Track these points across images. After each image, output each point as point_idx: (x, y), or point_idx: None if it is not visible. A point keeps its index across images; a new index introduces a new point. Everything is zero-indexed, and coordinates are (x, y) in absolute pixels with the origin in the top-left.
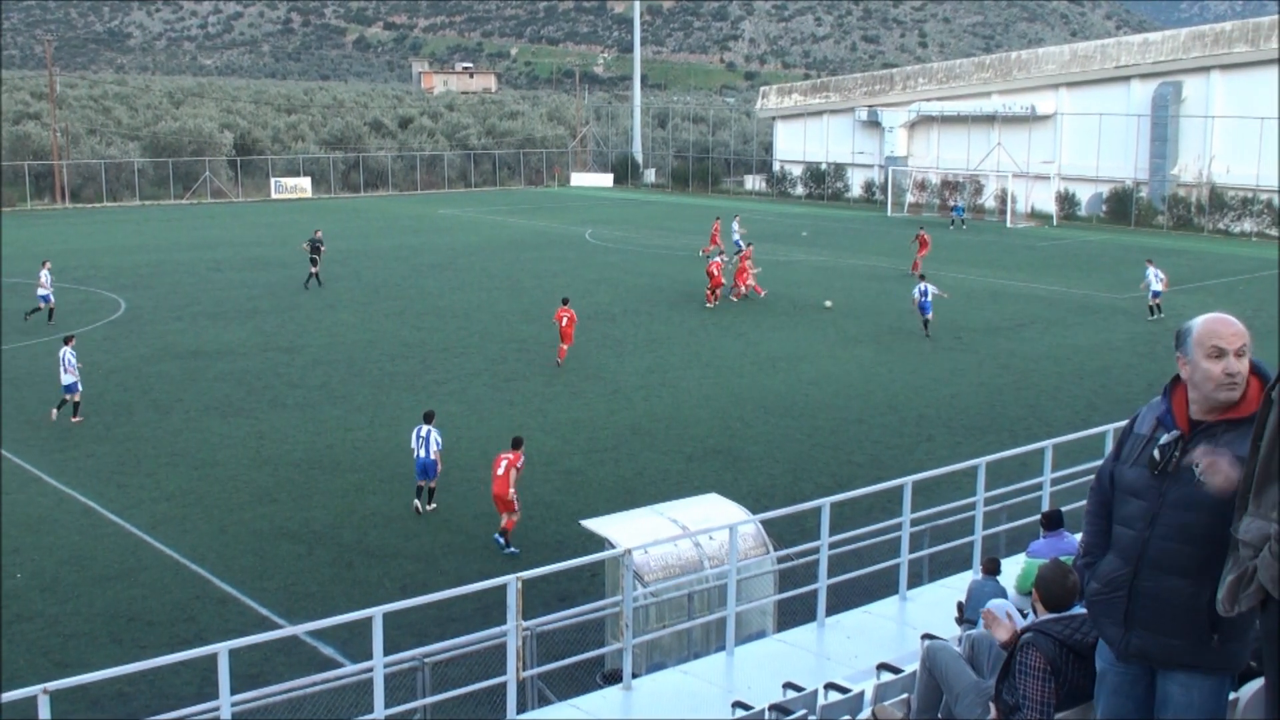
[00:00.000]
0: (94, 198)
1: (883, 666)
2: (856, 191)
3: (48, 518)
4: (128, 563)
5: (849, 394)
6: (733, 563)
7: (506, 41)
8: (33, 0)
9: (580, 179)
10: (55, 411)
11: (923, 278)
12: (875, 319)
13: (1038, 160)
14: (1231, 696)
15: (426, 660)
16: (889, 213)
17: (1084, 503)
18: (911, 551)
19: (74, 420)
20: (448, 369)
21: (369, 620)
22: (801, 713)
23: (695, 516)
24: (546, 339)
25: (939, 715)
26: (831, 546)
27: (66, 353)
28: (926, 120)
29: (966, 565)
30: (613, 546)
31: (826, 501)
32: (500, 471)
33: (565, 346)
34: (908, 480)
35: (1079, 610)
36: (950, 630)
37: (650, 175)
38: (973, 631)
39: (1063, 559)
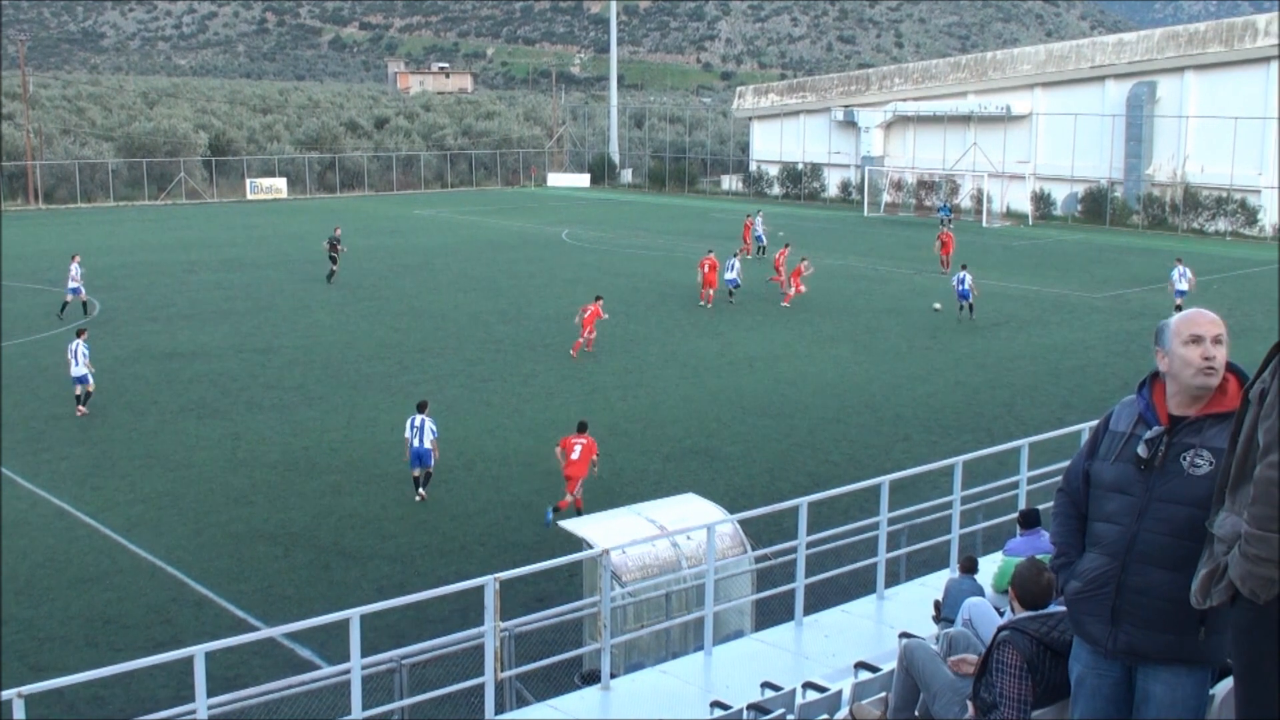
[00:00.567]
0: (68, 199)
1: (860, 665)
2: (833, 191)
3: (22, 520)
4: (103, 565)
5: (826, 393)
6: (710, 562)
7: (483, 42)
8: (5, 0)
9: (557, 179)
10: (79, 409)
11: (964, 267)
12: (852, 318)
13: (1013, 160)
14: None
15: (404, 662)
16: (865, 212)
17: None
18: (889, 550)
19: (78, 411)
20: (424, 370)
21: (346, 622)
22: (780, 712)
23: (673, 516)
24: (523, 340)
25: (916, 714)
26: (809, 546)
27: (79, 345)
28: (902, 120)
29: (944, 564)
30: (590, 547)
31: (804, 501)
32: (576, 455)
33: (581, 340)
34: (885, 479)
35: (1056, 608)
36: (928, 629)
37: (627, 175)
38: (950, 630)
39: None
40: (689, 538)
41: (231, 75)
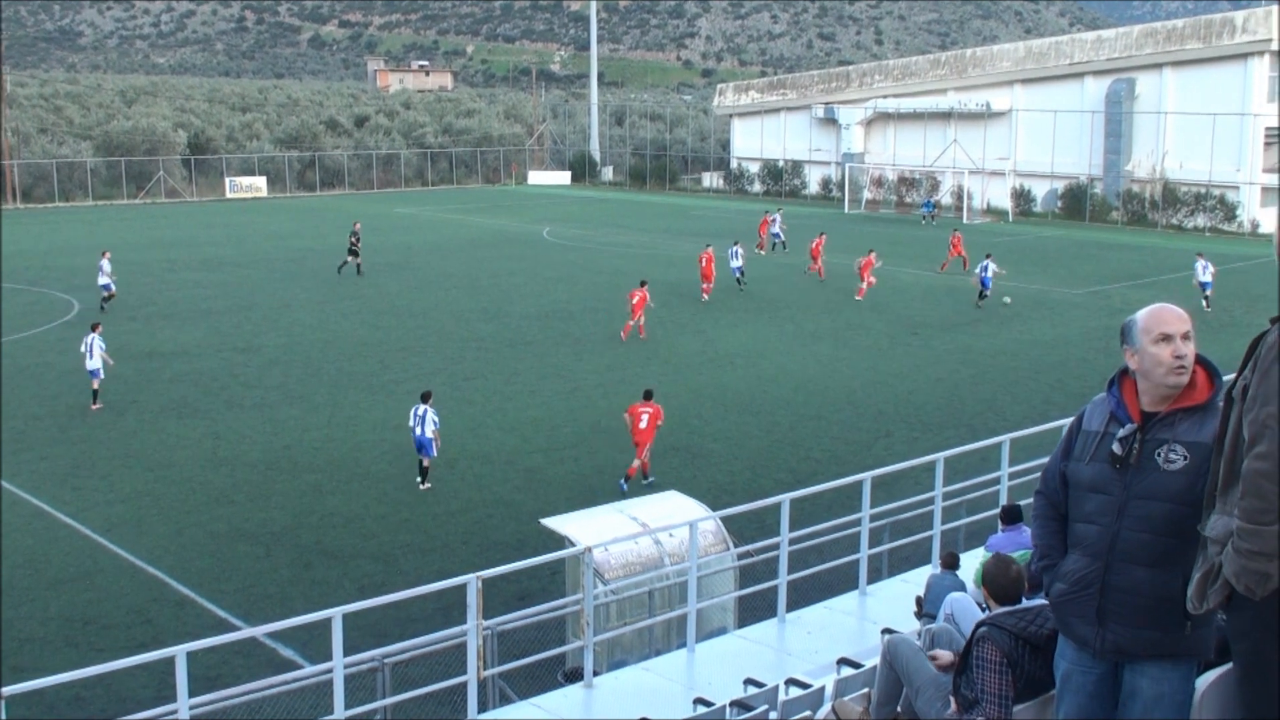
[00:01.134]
0: (45, 198)
1: (843, 661)
2: (814, 188)
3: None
4: (83, 566)
5: (808, 390)
6: (693, 559)
7: (462, 39)
8: None
9: (538, 177)
10: (95, 405)
11: (989, 256)
12: (833, 315)
13: (993, 156)
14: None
15: (387, 661)
16: (846, 209)
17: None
18: (871, 547)
19: (94, 407)
20: (405, 368)
21: (328, 621)
22: (763, 708)
23: (655, 514)
24: (505, 338)
25: (899, 709)
26: (791, 542)
27: (94, 339)
28: (883, 117)
29: (925, 560)
30: (573, 545)
31: (786, 498)
32: (644, 425)
33: (631, 323)
34: (867, 476)
35: (1036, 601)
36: (910, 624)
37: (608, 173)
38: (932, 625)
39: (1020, 553)
40: (671, 535)
41: (210, 73)
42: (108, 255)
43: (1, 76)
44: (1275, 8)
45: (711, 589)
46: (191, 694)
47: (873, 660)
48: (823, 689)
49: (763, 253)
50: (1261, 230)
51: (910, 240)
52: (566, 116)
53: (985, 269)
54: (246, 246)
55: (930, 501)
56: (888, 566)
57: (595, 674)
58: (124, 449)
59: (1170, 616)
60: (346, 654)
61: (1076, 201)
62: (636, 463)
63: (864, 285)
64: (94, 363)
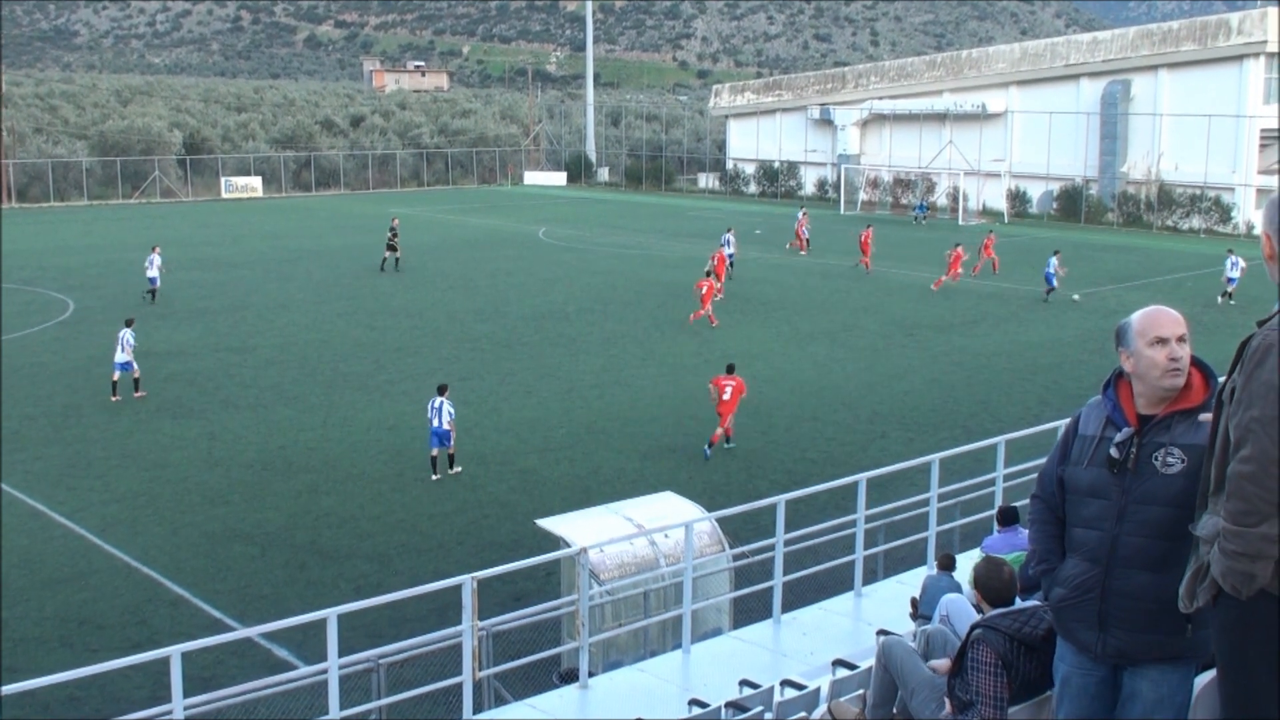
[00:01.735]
0: (40, 197)
1: (838, 663)
2: (809, 189)
3: None
4: (78, 566)
5: (803, 391)
6: (688, 560)
7: (458, 40)
8: None
9: (533, 177)
10: (131, 394)
11: (1056, 252)
12: (829, 316)
13: (989, 158)
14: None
15: (381, 661)
16: (842, 210)
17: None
18: (866, 548)
19: (120, 396)
20: (401, 369)
21: (323, 622)
22: (758, 709)
23: (651, 514)
24: (500, 338)
25: (894, 711)
26: (787, 543)
27: (126, 334)
28: (879, 118)
29: (921, 561)
30: (568, 545)
31: (781, 499)
32: (728, 396)
33: (701, 311)
34: (862, 477)
35: (1030, 602)
36: (905, 626)
37: (604, 174)
38: (928, 627)
39: (1014, 555)
40: (667, 536)
41: (206, 73)
42: (158, 250)
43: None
44: (1271, 10)
45: (707, 590)
46: (186, 694)
47: (868, 661)
48: (818, 690)
49: (804, 253)
50: (1257, 232)
51: (905, 241)
52: (562, 117)
53: (1050, 265)
54: (242, 246)
55: (926, 503)
56: (883, 568)
57: (590, 675)
58: (119, 449)
59: (1172, 620)
60: (341, 654)
61: (1072, 203)
62: (720, 430)
63: (945, 277)
64: (123, 356)
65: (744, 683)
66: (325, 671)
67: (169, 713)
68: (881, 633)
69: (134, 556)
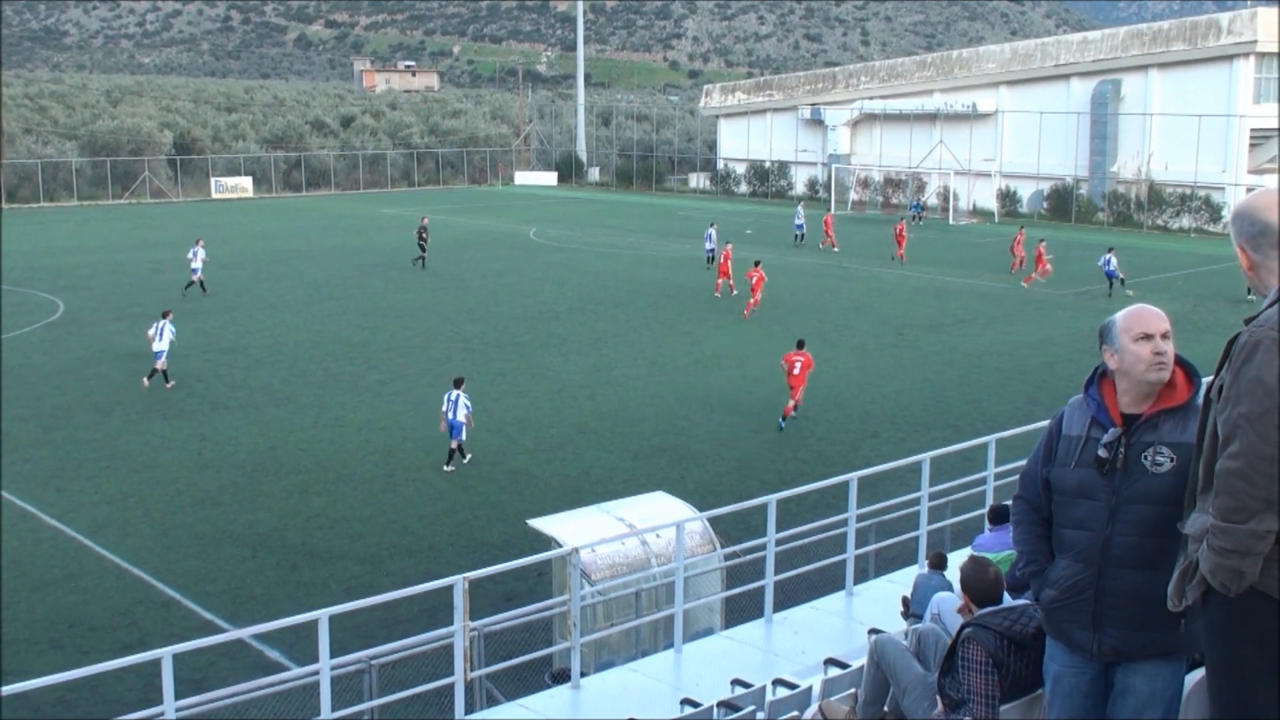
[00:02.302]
0: (30, 198)
1: (830, 662)
2: (800, 189)
3: None
4: (68, 568)
5: None
6: (680, 560)
7: (449, 40)
8: None
9: (524, 177)
10: (168, 384)
11: (1110, 250)
12: (820, 316)
13: (979, 158)
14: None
15: (373, 662)
16: (832, 210)
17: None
18: (857, 547)
19: (144, 383)
20: (392, 369)
21: (315, 623)
22: (750, 709)
23: (642, 514)
24: (491, 338)
25: (886, 709)
26: (778, 543)
27: (164, 325)
28: (869, 118)
29: (912, 560)
30: (560, 546)
31: (773, 498)
32: (797, 371)
33: (754, 302)
34: (853, 476)
35: (1021, 601)
36: (896, 625)
37: (594, 174)
38: (919, 626)
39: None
40: (658, 536)
41: (196, 73)
42: (201, 243)
43: None
44: (1260, 10)
45: (698, 590)
46: (178, 696)
47: (860, 660)
48: (810, 689)
49: (837, 249)
50: None
51: (892, 241)
52: (553, 117)
53: (1109, 262)
54: (232, 247)
55: (917, 502)
56: (874, 567)
57: (582, 675)
58: (109, 450)
59: (1165, 616)
60: (333, 655)
61: (1062, 202)
62: (791, 403)
63: (1035, 274)
64: (161, 345)
65: (736, 682)
66: (317, 672)
67: (161, 714)
68: (873, 632)
69: (125, 558)
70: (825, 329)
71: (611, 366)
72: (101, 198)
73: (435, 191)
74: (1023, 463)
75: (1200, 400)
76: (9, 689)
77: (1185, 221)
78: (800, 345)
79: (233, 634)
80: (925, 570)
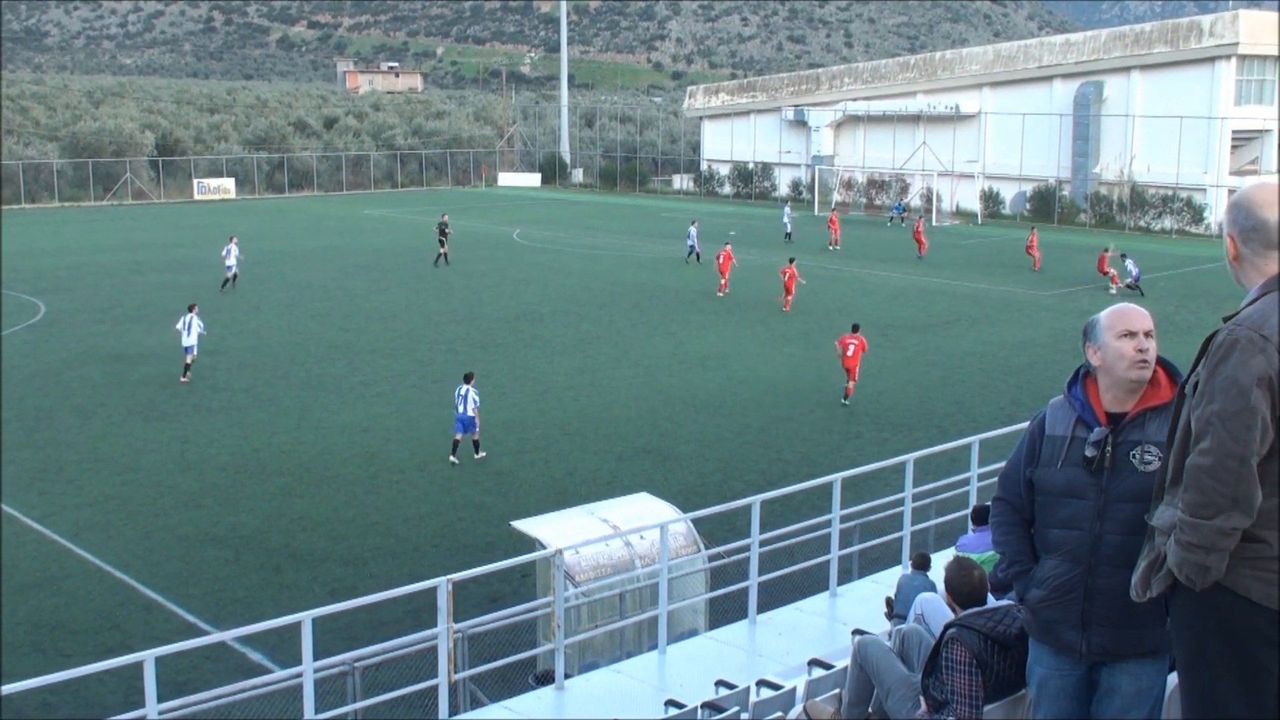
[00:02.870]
0: (11, 199)
1: (814, 662)
2: (784, 190)
3: None
4: (50, 570)
5: (778, 392)
6: (664, 561)
7: (432, 41)
8: None
9: (508, 179)
10: (182, 378)
11: (1124, 256)
12: (804, 318)
13: (962, 159)
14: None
15: (357, 664)
16: (816, 211)
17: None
18: (841, 548)
19: (182, 379)
20: (375, 371)
21: (298, 625)
22: (734, 710)
23: (626, 516)
24: (475, 340)
25: (870, 710)
26: (762, 544)
27: (191, 318)
28: (852, 120)
29: (896, 560)
30: (544, 547)
31: (757, 499)
32: (850, 353)
33: (790, 298)
34: (837, 477)
35: (1005, 601)
36: (880, 625)
37: (578, 175)
38: (903, 626)
39: (989, 554)
40: (642, 537)
41: (178, 74)
42: (235, 240)
43: None
44: (1241, 12)
45: (682, 591)
46: (160, 699)
47: (844, 661)
48: (794, 690)
49: (838, 248)
50: None
51: (876, 243)
52: (537, 118)
53: (1133, 266)
54: (214, 249)
55: (900, 502)
56: (858, 567)
57: (566, 676)
58: (91, 452)
59: (1152, 614)
60: (316, 658)
61: (1045, 204)
62: (851, 383)
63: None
64: (190, 339)
65: (720, 683)
66: (300, 675)
67: (143, 717)
68: (857, 632)
69: (107, 561)
70: (809, 330)
71: (595, 368)
72: (83, 199)
73: (419, 193)
74: (1004, 463)
75: None
76: None
77: (1167, 223)
78: (855, 329)
79: (215, 636)
80: (909, 571)
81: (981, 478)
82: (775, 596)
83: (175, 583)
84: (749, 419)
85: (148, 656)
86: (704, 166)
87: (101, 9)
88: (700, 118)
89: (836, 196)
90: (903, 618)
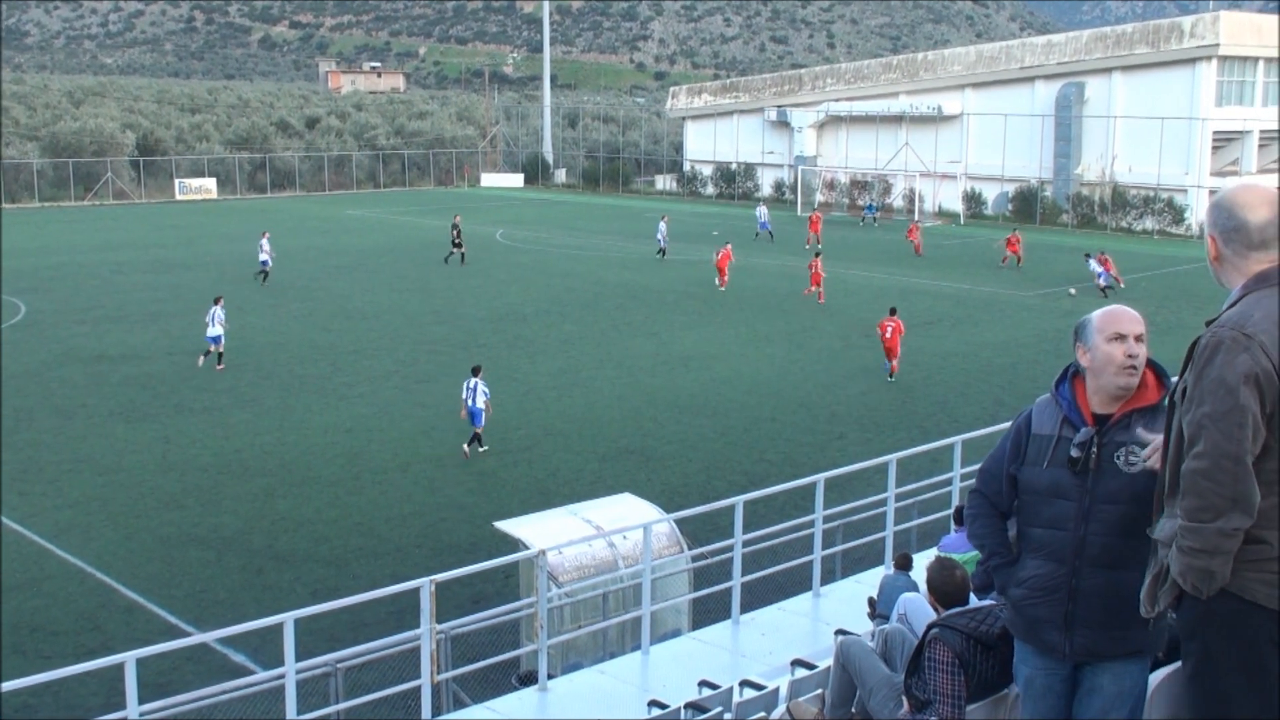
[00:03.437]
0: None
1: (797, 663)
2: (766, 191)
3: None
4: (30, 572)
5: (761, 392)
6: (647, 562)
7: (415, 41)
8: None
9: (490, 179)
10: (201, 358)
11: (1088, 256)
12: (787, 318)
13: (945, 160)
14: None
15: (339, 666)
16: (799, 212)
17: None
18: (824, 548)
19: (218, 368)
20: (358, 371)
21: (280, 626)
22: (717, 710)
23: (609, 516)
24: (458, 340)
25: (853, 710)
26: (745, 544)
27: (216, 310)
28: (835, 120)
29: (879, 561)
30: (527, 548)
31: (740, 500)
32: (889, 335)
33: (818, 290)
34: (820, 477)
35: (987, 601)
36: (863, 626)
37: (561, 175)
38: (885, 626)
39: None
40: (625, 538)
41: (159, 74)
42: (267, 235)
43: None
44: (1222, 13)
45: (665, 591)
46: (141, 701)
47: (826, 661)
48: (777, 690)
49: (809, 247)
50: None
51: (859, 243)
52: (519, 119)
53: (1096, 266)
54: (196, 249)
55: (883, 503)
56: (841, 568)
57: (550, 677)
58: (72, 453)
59: (1135, 615)
60: (299, 659)
61: (1027, 204)
62: (894, 362)
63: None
64: (214, 330)
65: (703, 683)
66: (283, 676)
67: (124, 719)
68: (840, 632)
69: (87, 562)
70: (792, 330)
71: (578, 368)
72: (63, 199)
73: (401, 193)
74: None
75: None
76: None
77: (1149, 223)
78: (892, 312)
79: (197, 638)
80: (891, 571)
81: (964, 478)
82: (758, 597)
83: (157, 584)
84: (732, 419)
85: (129, 658)
86: (687, 167)
87: (82, 8)
88: (683, 118)
89: (820, 197)
90: (885, 618)
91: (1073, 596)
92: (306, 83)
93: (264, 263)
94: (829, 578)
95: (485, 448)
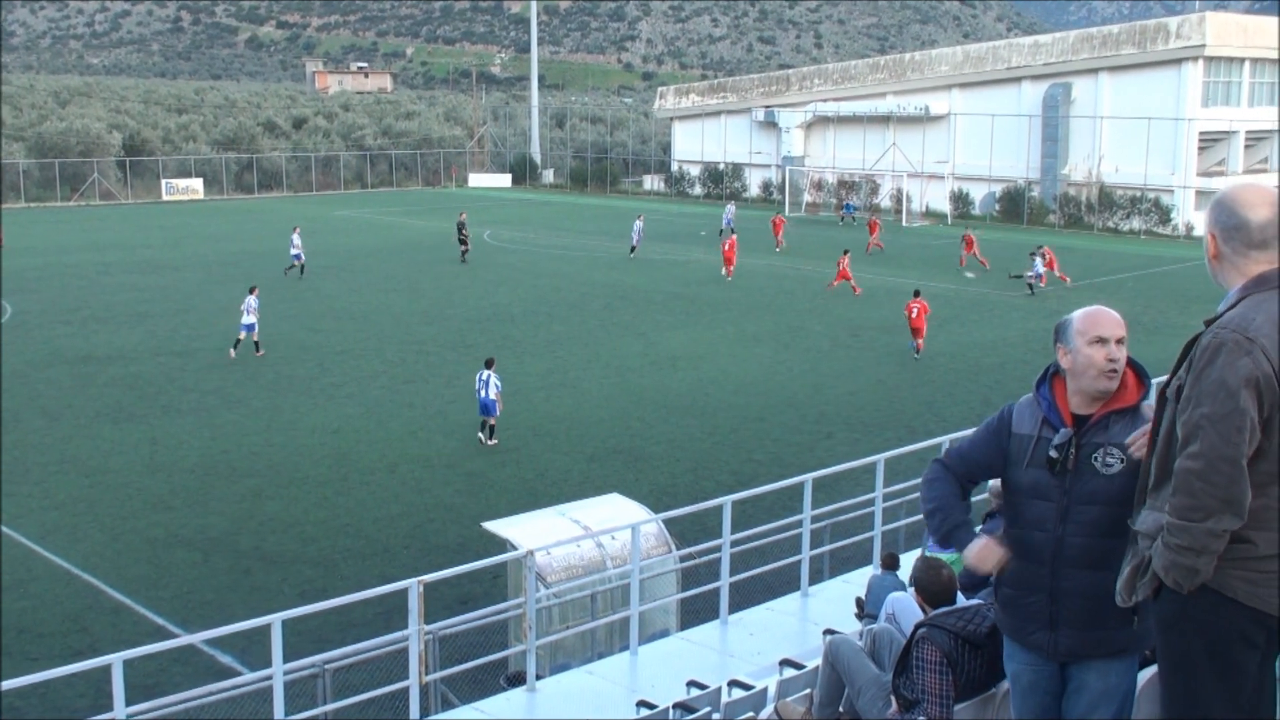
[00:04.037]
0: None
1: (785, 662)
2: (754, 191)
3: None
4: (17, 574)
5: (749, 392)
6: (635, 562)
7: (402, 41)
8: None
9: (478, 179)
10: (233, 350)
11: (1032, 254)
12: (775, 318)
13: (932, 160)
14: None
15: (327, 666)
16: (786, 212)
17: (983, 496)
18: (812, 548)
19: (257, 354)
20: (345, 372)
21: (268, 627)
22: (705, 710)
23: (597, 517)
24: (446, 341)
25: (841, 709)
26: (733, 544)
27: (250, 299)
28: (822, 120)
29: (867, 560)
30: (515, 548)
31: (728, 500)
32: (915, 315)
33: (842, 281)
34: (808, 477)
35: (975, 601)
36: (851, 625)
37: (549, 176)
38: (874, 626)
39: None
40: (613, 538)
41: (146, 74)
42: (298, 230)
43: None
44: (1208, 14)
45: (654, 591)
46: (128, 702)
47: (815, 661)
48: (765, 690)
49: (780, 250)
50: (1196, 233)
51: (846, 243)
52: (507, 119)
53: (1040, 265)
54: (183, 249)
55: (871, 502)
56: (829, 568)
57: (538, 677)
58: (59, 454)
59: (1118, 615)
60: (286, 660)
61: (1014, 204)
62: (920, 341)
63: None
64: (249, 319)
65: (691, 684)
66: (270, 677)
67: None
68: (828, 632)
69: (74, 563)
70: (780, 331)
71: (566, 369)
72: (50, 200)
73: (389, 193)
74: None
75: (1150, 402)
76: None
77: (1135, 223)
78: (916, 294)
79: (184, 639)
80: (879, 571)
81: None
82: (746, 596)
83: (144, 585)
84: (720, 419)
85: (116, 659)
86: (675, 167)
87: (68, 8)
88: (671, 118)
89: (807, 197)
90: (873, 617)
91: (1055, 597)
92: (293, 83)
93: (295, 256)
94: (817, 578)
95: (495, 441)
